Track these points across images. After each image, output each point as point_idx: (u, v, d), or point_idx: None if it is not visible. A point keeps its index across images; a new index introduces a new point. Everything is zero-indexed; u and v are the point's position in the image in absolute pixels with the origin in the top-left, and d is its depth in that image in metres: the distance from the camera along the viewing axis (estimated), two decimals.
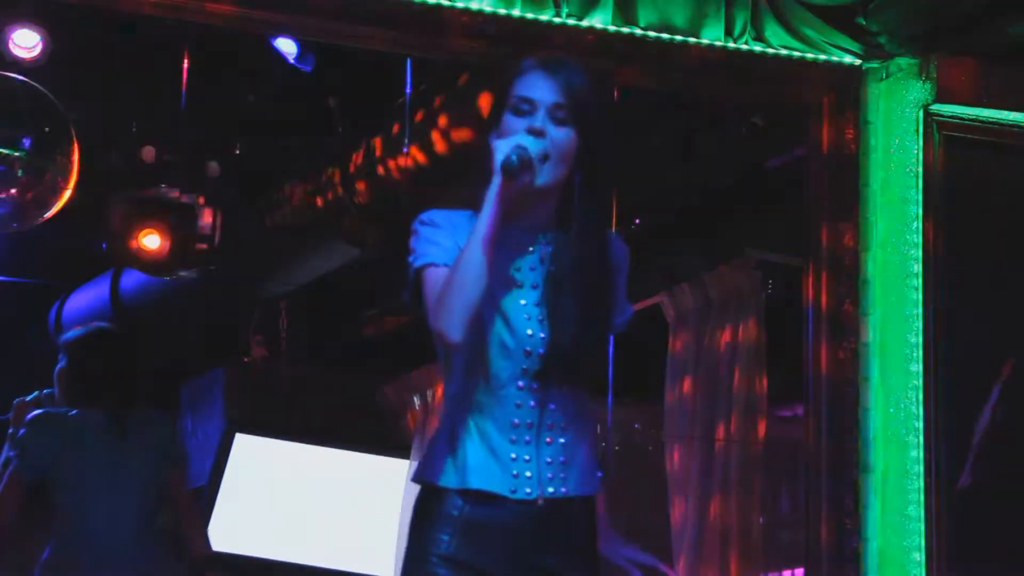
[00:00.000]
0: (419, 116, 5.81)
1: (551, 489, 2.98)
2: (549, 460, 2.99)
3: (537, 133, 2.95)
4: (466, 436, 2.99)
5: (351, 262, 6.99)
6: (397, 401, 7.98)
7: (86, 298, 8.24)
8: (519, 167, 2.89)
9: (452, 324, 2.87)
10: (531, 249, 3.03)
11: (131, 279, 7.70)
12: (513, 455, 2.97)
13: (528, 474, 2.97)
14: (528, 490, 2.97)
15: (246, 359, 8.02)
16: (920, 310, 4.62)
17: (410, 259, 2.99)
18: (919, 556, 4.52)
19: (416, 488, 3.05)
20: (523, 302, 3.00)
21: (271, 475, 7.69)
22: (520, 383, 2.99)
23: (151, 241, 6.52)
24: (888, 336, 4.63)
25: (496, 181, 2.90)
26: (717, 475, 6.22)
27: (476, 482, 2.95)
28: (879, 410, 4.61)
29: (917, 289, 4.63)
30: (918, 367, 4.60)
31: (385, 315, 8.03)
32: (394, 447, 7.87)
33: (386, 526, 7.54)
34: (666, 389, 6.45)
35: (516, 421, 2.99)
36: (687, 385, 6.39)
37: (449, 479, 2.97)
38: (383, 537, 7.55)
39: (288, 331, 7.99)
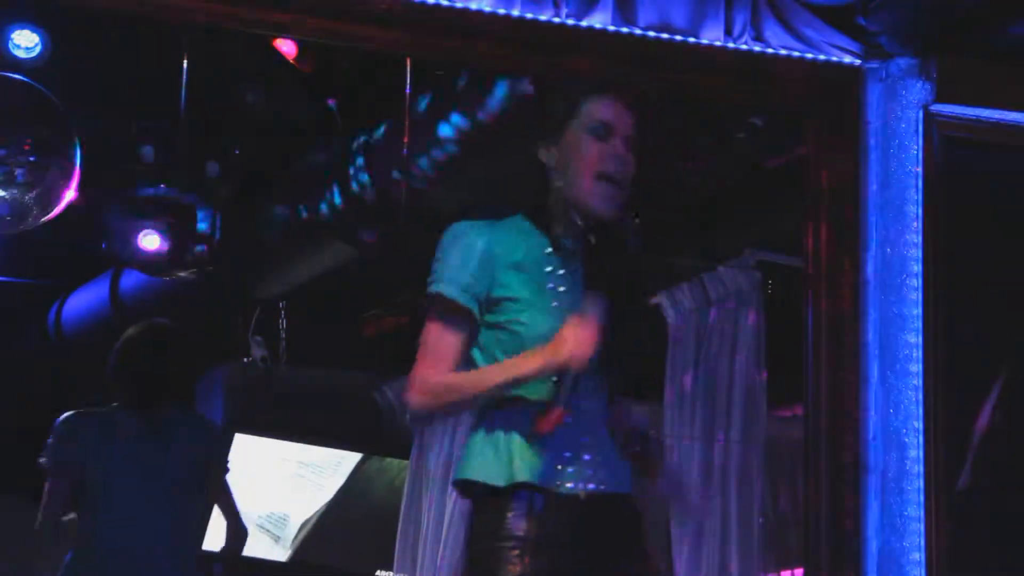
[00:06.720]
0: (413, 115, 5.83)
1: (592, 484, 3.05)
2: (587, 457, 3.07)
3: (622, 159, 3.12)
4: (506, 434, 3.04)
5: (351, 262, 6.99)
6: (397, 401, 7.98)
7: (86, 298, 8.24)
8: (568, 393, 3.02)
9: (423, 414, 3.07)
10: (566, 255, 3.11)
11: (131, 279, 7.70)
12: (554, 450, 3.03)
13: (570, 469, 3.05)
14: (571, 484, 3.04)
15: (246, 359, 8.02)
16: (920, 310, 4.61)
17: (431, 279, 3.08)
18: (919, 556, 4.51)
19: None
20: (558, 303, 3.08)
21: (271, 475, 7.69)
22: (555, 379, 3.04)
23: (151, 241, 6.51)
24: (888, 336, 4.63)
25: (548, 366, 2.99)
26: (717, 475, 6.23)
27: (524, 475, 3.01)
28: (879, 410, 4.61)
29: (917, 289, 4.62)
30: (918, 367, 4.60)
31: (385, 315, 8.03)
32: (394, 447, 7.87)
33: (386, 526, 7.55)
34: (665, 389, 6.46)
35: None
36: (686, 385, 6.39)
37: (497, 477, 3.02)
38: (383, 537, 7.55)
39: (287, 331, 7.99)
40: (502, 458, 3.02)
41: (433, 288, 3.06)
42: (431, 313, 3.07)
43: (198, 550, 4.97)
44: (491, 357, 3.08)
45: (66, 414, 4.90)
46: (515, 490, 3.01)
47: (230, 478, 5.10)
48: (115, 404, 4.93)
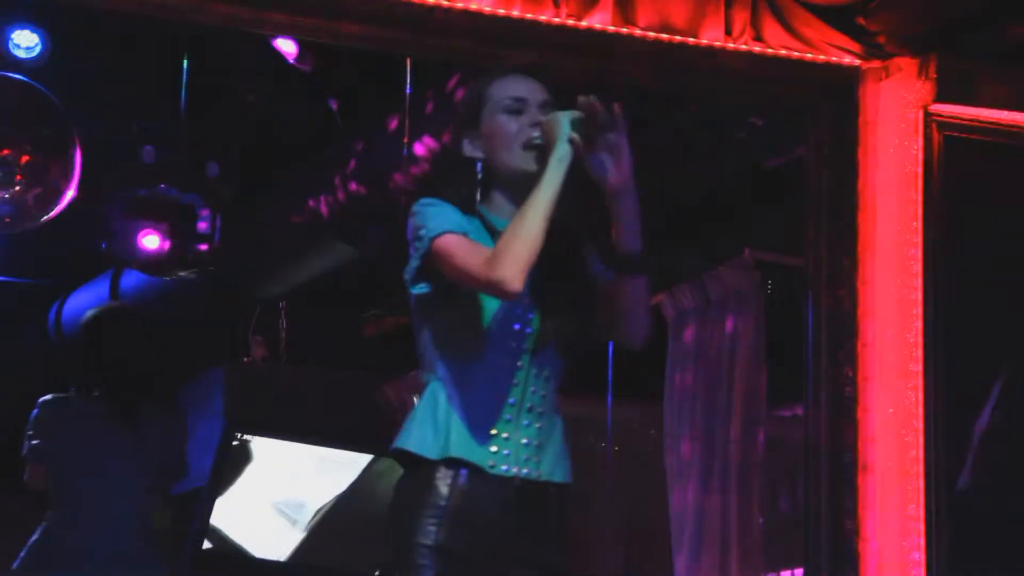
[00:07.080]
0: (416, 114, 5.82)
1: (526, 470, 3.07)
2: (525, 441, 3.08)
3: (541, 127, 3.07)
4: (449, 409, 3.06)
5: (351, 262, 7.00)
6: (397, 401, 7.98)
7: (86, 298, 8.24)
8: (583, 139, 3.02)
9: (515, 273, 2.93)
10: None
11: (131, 279, 7.70)
12: (493, 431, 3.06)
13: (506, 451, 3.06)
14: (505, 467, 3.05)
15: (246, 359, 8.01)
16: (920, 310, 4.62)
17: (421, 233, 3.04)
18: (919, 556, 4.52)
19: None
20: None
21: (271, 475, 7.69)
22: (506, 361, 3.07)
23: (151, 241, 6.51)
24: (888, 336, 4.63)
25: (564, 151, 2.99)
26: (717, 475, 6.23)
27: (458, 451, 3.02)
28: (879, 410, 4.61)
29: (917, 289, 4.63)
30: (918, 367, 4.60)
31: (385, 315, 8.03)
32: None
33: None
34: (665, 389, 6.46)
35: (499, 398, 3.07)
36: (687, 385, 6.39)
37: (431, 450, 3.05)
38: (383, 537, 7.54)
39: (288, 331, 7.99)
40: (440, 432, 3.04)
41: (432, 233, 3.00)
42: (443, 243, 2.99)
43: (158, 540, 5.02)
44: (445, 329, 3.07)
45: (43, 399, 4.97)
46: (445, 464, 3.02)
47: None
48: (90, 390, 4.98)
